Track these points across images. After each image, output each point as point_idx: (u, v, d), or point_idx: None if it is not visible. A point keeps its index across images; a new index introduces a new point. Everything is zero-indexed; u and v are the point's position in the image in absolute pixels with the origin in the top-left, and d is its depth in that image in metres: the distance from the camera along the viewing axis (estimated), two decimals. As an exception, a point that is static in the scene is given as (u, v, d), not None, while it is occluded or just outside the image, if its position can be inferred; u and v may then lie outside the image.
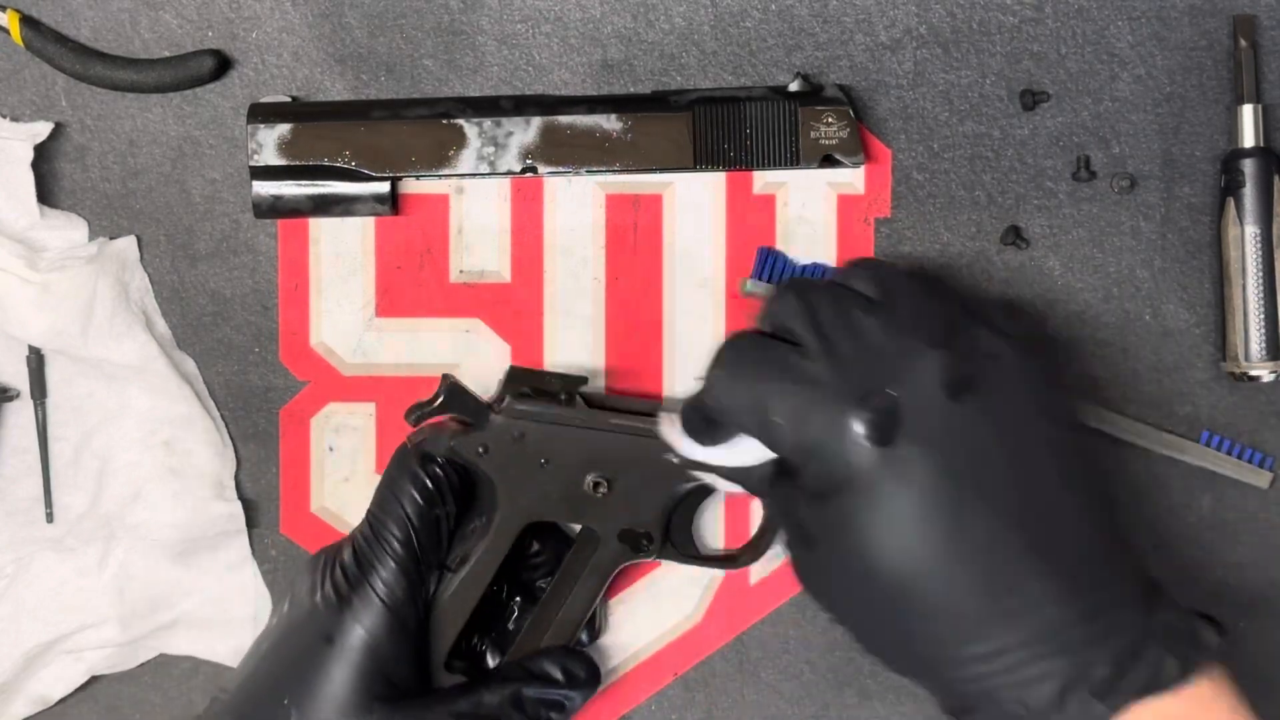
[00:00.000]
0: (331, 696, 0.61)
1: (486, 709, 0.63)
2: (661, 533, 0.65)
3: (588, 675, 0.66)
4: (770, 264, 0.68)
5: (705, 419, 0.61)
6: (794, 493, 0.58)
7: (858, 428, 0.55)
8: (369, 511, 0.64)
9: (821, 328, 0.57)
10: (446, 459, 0.63)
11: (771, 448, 0.59)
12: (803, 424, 0.56)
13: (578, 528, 0.67)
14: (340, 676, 0.61)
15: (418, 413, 0.63)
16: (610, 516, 0.65)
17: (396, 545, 0.62)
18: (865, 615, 0.58)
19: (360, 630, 0.61)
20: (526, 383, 0.65)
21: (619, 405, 0.66)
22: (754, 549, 0.68)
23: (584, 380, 0.65)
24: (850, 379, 0.56)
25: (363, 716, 0.61)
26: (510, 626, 0.67)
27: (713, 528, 0.70)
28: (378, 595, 0.61)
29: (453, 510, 0.63)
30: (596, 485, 0.64)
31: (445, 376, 0.64)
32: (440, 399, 0.63)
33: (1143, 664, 0.54)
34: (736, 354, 0.59)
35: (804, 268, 0.69)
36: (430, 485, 0.63)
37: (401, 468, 0.63)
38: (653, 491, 0.65)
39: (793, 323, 0.58)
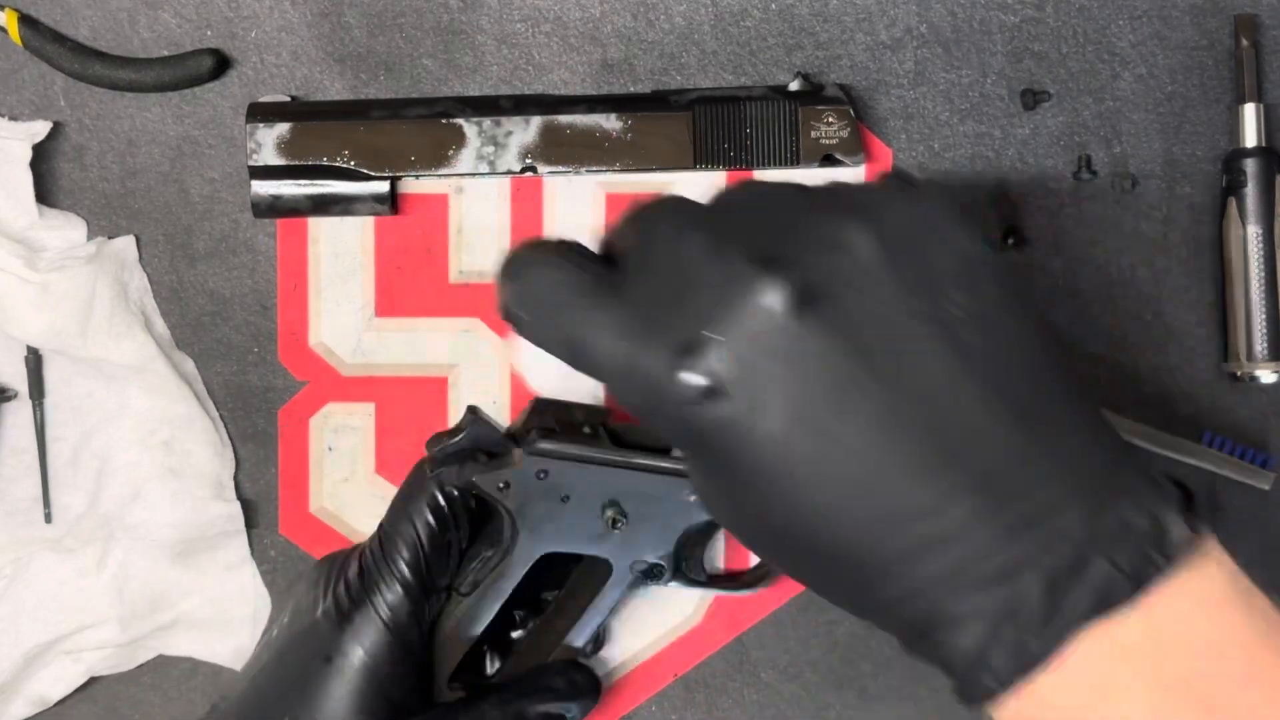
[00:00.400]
0: (331, 715, 0.60)
1: None
2: (673, 564, 0.65)
3: (589, 687, 0.66)
4: None
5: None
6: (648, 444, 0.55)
7: (684, 389, 0.44)
8: (380, 527, 0.63)
9: (645, 252, 0.47)
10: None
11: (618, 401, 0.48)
12: (626, 380, 0.46)
13: None
14: (339, 694, 0.60)
15: (440, 446, 0.63)
16: (625, 548, 0.65)
17: (404, 567, 0.61)
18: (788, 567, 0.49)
19: (360, 651, 0.61)
20: (551, 414, 0.64)
21: (641, 439, 0.65)
22: (761, 571, 0.68)
23: (608, 413, 0.65)
24: (669, 322, 0.45)
25: None
26: (513, 635, 0.67)
27: (715, 545, 0.70)
28: (380, 616, 0.61)
29: (465, 535, 0.63)
30: (615, 521, 0.64)
31: (470, 409, 0.64)
32: (463, 433, 0.63)
33: (1084, 580, 0.42)
34: (553, 286, 0.48)
35: None
36: (445, 509, 0.62)
37: (417, 488, 0.63)
38: (668, 527, 0.65)
39: (624, 248, 0.48)
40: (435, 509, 0.62)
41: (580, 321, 0.47)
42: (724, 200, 0.48)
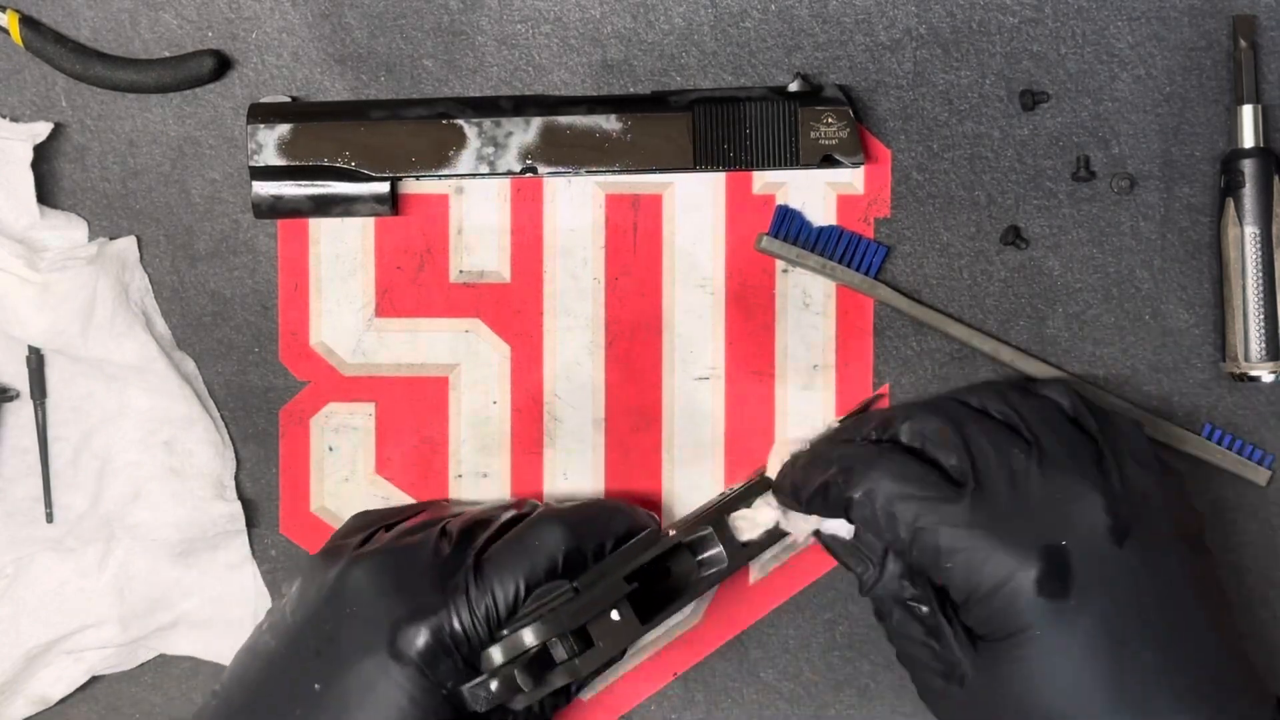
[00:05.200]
0: None
1: None
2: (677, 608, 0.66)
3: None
4: (788, 222, 0.68)
5: (828, 503, 0.62)
6: (947, 625, 0.59)
7: (1032, 581, 0.56)
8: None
9: (982, 469, 0.58)
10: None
11: (929, 579, 0.60)
12: (973, 572, 0.57)
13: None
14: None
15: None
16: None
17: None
18: None
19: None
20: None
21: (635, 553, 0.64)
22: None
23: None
24: (1021, 529, 0.57)
25: None
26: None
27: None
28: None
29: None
30: (623, 614, 0.63)
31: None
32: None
33: None
34: (899, 477, 0.59)
35: (820, 229, 0.69)
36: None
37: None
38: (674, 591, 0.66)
39: (952, 458, 0.59)
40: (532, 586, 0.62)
41: (930, 511, 0.57)
42: (1032, 421, 0.60)
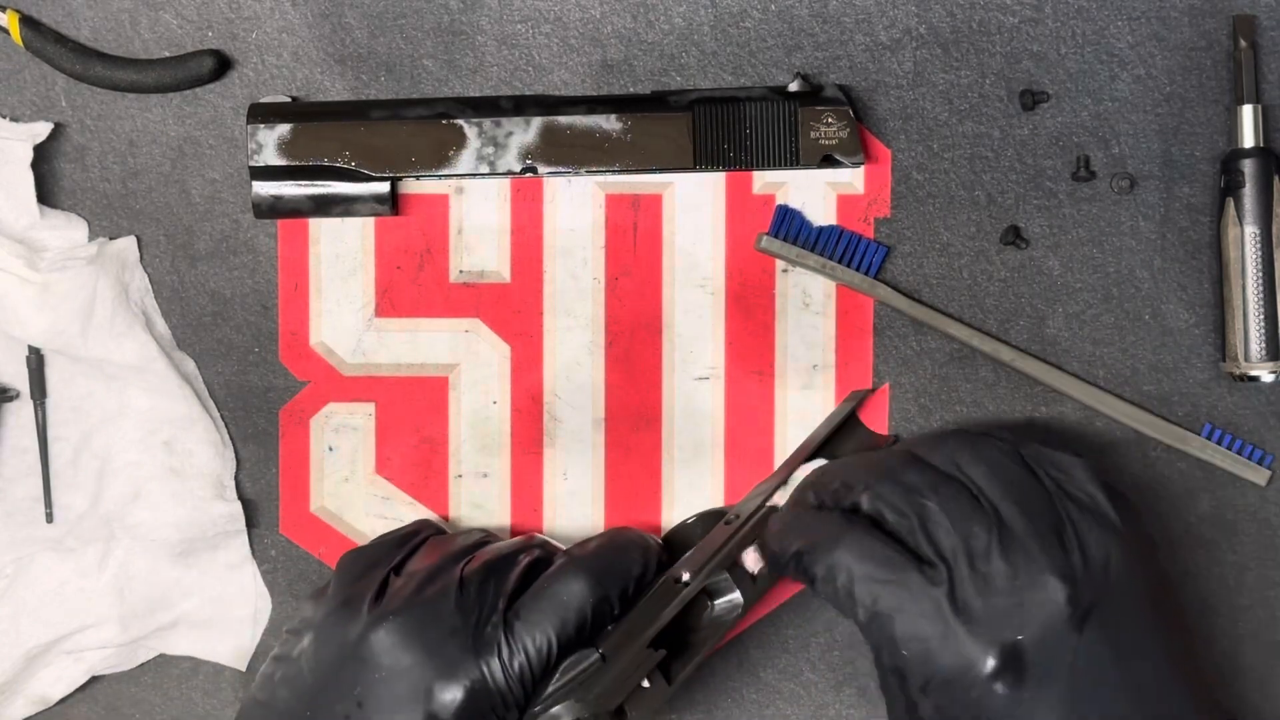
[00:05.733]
0: None
1: None
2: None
3: None
4: (788, 222, 0.68)
5: (799, 574, 0.61)
6: (907, 699, 0.59)
7: (987, 673, 0.56)
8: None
9: (941, 551, 0.58)
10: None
11: (889, 660, 0.59)
12: (930, 660, 0.57)
13: None
14: None
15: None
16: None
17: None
18: None
19: None
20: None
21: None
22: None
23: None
24: (977, 620, 0.56)
25: None
26: None
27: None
28: None
29: None
30: (653, 681, 0.63)
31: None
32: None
33: None
34: (861, 556, 0.58)
35: (820, 229, 0.69)
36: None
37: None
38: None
39: (912, 537, 0.58)
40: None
41: (888, 596, 0.57)
42: (997, 485, 0.59)
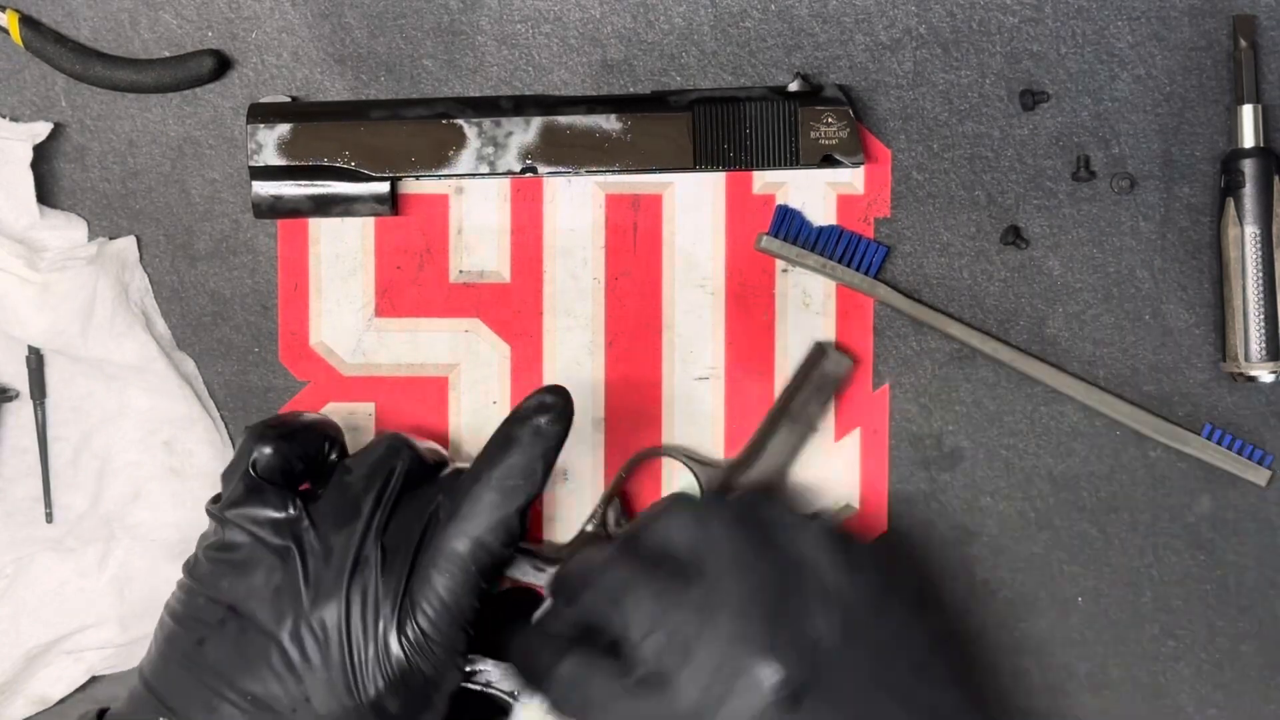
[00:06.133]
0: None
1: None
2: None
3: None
4: (788, 222, 0.68)
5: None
6: None
7: None
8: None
9: (646, 654, 0.55)
10: None
11: None
12: None
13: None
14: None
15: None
16: None
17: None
18: None
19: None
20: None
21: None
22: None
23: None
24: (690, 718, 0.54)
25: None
26: None
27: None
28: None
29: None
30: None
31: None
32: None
33: None
34: (577, 683, 0.57)
35: (820, 229, 0.69)
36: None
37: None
38: None
39: (623, 644, 0.56)
40: (481, 592, 0.59)
41: (602, 714, 0.56)
42: (720, 569, 0.56)
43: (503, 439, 0.60)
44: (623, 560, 0.58)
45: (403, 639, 0.58)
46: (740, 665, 0.54)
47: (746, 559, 0.57)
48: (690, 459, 0.68)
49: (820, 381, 0.67)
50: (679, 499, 0.62)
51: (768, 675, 0.54)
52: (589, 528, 0.68)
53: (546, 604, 0.62)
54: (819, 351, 0.68)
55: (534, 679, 0.59)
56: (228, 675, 0.58)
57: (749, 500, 0.61)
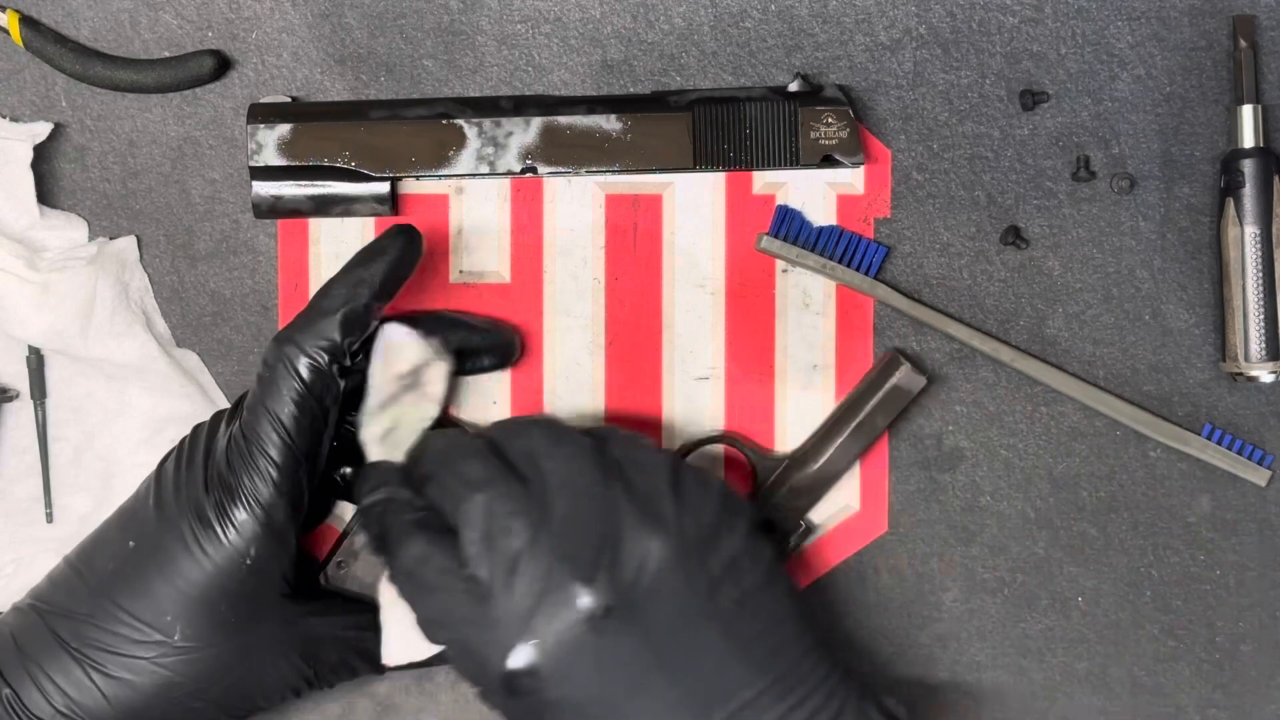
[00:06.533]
0: (178, 603, 0.61)
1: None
2: None
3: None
4: (788, 222, 0.68)
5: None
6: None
7: (498, 679, 0.57)
8: (241, 421, 0.62)
9: (474, 554, 0.58)
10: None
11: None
12: (459, 658, 0.59)
13: None
14: (198, 584, 0.61)
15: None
16: None
17: (274, 472, 0.61)
18: None
19: (230, 547, 0.61)
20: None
21: None
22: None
23: None
24: (500, 624, 0.57)
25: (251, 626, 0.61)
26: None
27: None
28: (257, 520, 0.61)
29: (335, 408, 0.63)
30: None
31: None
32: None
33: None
34: (417, 561, 0.59)
35: (820, 229, 0.69)
36: (310, 397, 0.61)
37: (278, 377, 0.61)
38: None
39: (454, 519, 0.59)
40: (300, 400, 0.61)
41: (435, 604, 0.59)
42: (559, 489, 0.59)
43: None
44: (477, 459, 0.60)
45: (228, 441, 0.61)
46: (558, 584, 0.57)
47: (584, 484, 0.59)
48: (748, 448, 0.68)
49: (892, 394, 0.67)
50: (547, 418, 0.66)
51: (582, 596, 0.56)
52: None
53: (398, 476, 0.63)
54: (894, 363, 0.67)
55: (380, 548, 0.61)
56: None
57: (607, 434, 0.62)
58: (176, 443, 0.64)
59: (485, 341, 0.67)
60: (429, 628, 0.59)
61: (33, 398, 0.69)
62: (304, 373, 0.61)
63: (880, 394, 0.67)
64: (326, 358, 0.61)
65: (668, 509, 0.59)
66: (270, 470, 0.61)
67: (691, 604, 0.58)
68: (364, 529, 0.62)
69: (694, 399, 0.70)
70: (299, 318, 0.62)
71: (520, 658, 0.57)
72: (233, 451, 0.61)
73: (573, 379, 0.70)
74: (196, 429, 0.64)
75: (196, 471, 0.62)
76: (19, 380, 0.70)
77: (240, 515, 0.60)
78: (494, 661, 0.57)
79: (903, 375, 0.67)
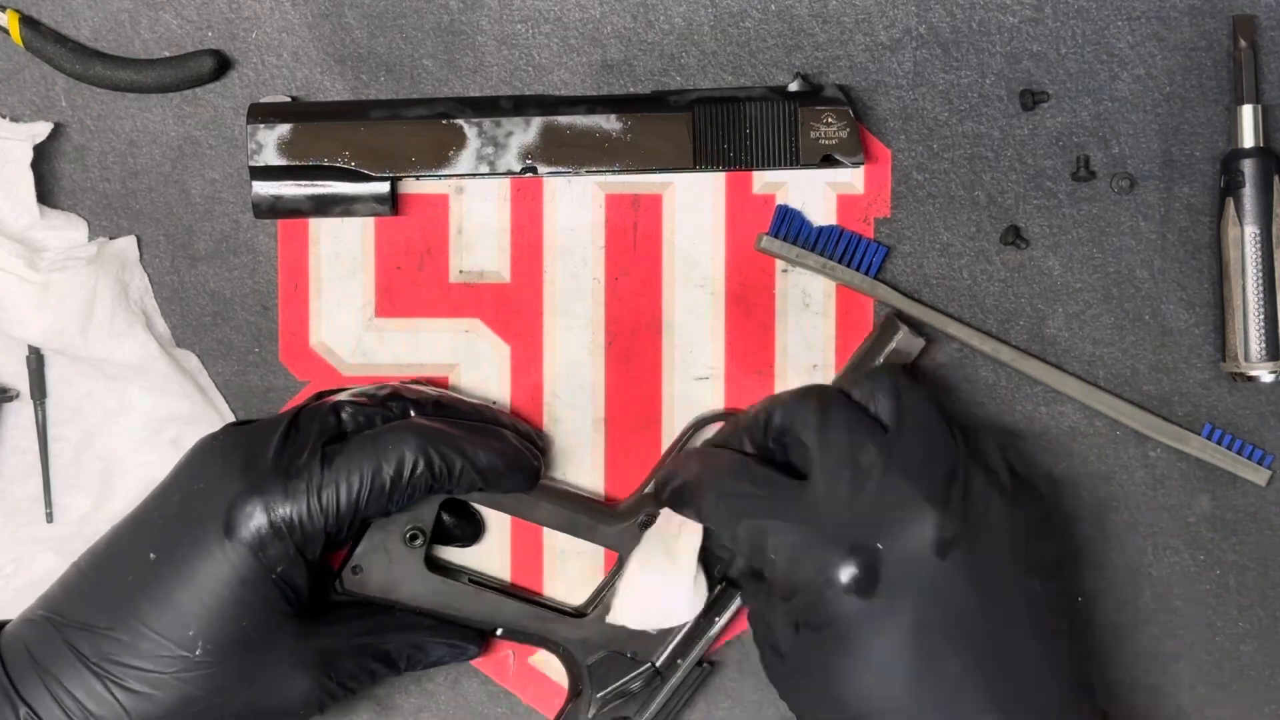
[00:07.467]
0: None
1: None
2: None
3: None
4: (788, 222, 0.68)
5: (682, 503, 0.65)
6: (770, 602, 0.62)
7: (843, 579, 0.58)
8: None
9: (824, 463, 0.60)
10: None
11: (759, 571, 0.62)
12: (794, 564, 0.60)
13: None
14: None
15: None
16: None
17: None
18: None
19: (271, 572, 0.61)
20: None
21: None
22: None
23: None
24: (844, 527, 0.59)
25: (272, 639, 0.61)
26: None
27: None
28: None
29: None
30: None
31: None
32: None
33: None
34: (734, 474, 0.62)
35: (820, 229, 0.69)
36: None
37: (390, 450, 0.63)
38: None
39: (801, 450, 0.61)
40: (399, 486, 0.62)
41: (757, 508, 0.61)
42: (904, 419, 0.61)
43: (483, 434, 0.65)
44: (836, 403, 0.62)
45: (290, 463, 0.62)
46: (906, 500, 0.59)
47: (936, 431, 0.61)
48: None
49: (891, 358, 0.67)
50: (888, 369, 0.67)
51: (930, 517, 0.58)
52: (648, 489, 0.68)
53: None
54: (892, 326, 0.67)
55: (674, 486, 0.65)
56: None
57: (937, 394, 0.66)
58: (190, 452, 0.64)
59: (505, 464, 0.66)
60: (751, 541, 0.60)
61: (33, 398, 0.69)
62: (418, 471, 0.62)
63: (880, 359, 0.67)
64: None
65: (1008, 481, 0.61)
66: (321, 514, 0.61)
67: (1013, 570, 0.59)
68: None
69: (694, 399, 0.70)
70: (439, 426, 0.64)
71: (859, 561, 0.58)
72: (294, 476, 0.61)
73: (573, 379, 0.70)
74: (222, 445, 0.63)
75: (231, 484, 0.61)
76: (19, 380, 0.70)
77: (276, 538, 0.60)
78: (827, 564, 0.58)
79: (901, 338, 0.67)
